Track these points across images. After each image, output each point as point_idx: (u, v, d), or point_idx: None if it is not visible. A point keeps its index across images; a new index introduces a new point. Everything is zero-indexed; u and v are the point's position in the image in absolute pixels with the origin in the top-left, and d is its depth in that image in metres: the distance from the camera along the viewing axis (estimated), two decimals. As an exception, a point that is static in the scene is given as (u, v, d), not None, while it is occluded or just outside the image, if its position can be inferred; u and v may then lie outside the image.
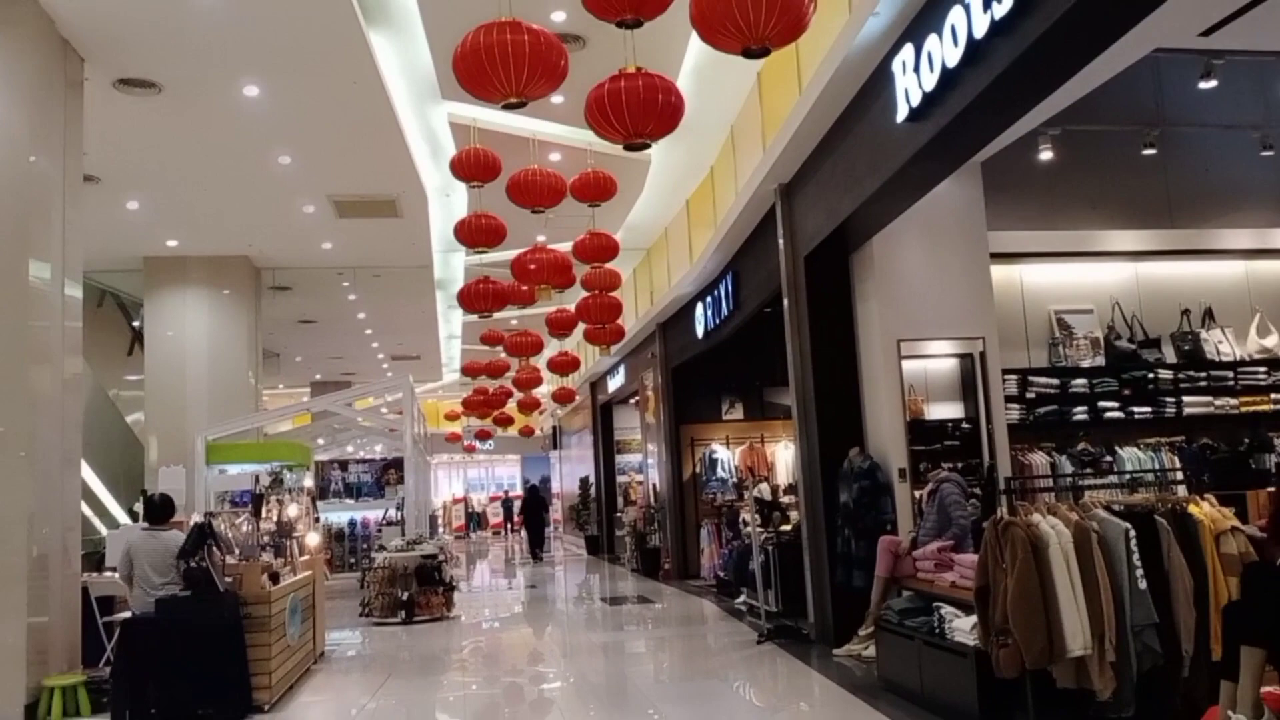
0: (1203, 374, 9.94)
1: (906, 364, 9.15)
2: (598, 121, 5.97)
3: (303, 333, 21.03)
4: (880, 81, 7.50)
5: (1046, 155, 8.86)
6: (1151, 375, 9.84)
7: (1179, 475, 7.04)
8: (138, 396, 15.93)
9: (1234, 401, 9.93)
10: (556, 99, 9.81)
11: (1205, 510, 5.70)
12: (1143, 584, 5.38)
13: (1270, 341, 10.13)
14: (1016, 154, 8.86)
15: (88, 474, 13.84)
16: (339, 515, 19.37)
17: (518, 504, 32.68)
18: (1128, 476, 7.51)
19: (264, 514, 9.55)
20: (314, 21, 8.43)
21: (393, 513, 17.93)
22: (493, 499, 40.88)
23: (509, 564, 24.86)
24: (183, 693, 7.03)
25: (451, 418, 30.89)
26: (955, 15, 6.08)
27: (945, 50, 6.23)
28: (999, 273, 9.54)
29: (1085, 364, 9.85)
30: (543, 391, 24.16)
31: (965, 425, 9.34)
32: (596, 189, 9.76)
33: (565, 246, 11.63)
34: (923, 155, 7.10)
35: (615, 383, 21.98)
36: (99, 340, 16.44)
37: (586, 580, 19.39)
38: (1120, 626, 5.37)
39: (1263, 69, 8.51)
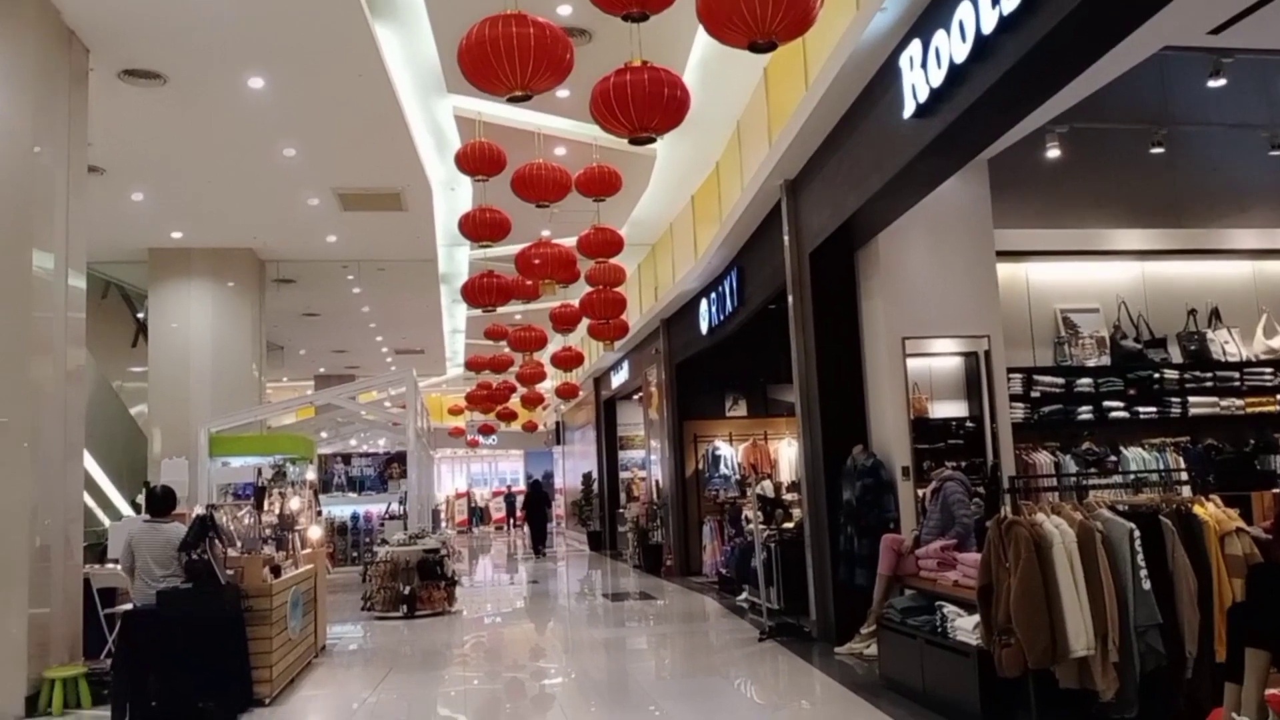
0: (1209, 374, 9.92)
1: (911, 362, 9.12)
2: (603, 115, 5.94)
3: (307, 326, 21.02)
4: (887, 77, 7.47)
5: (1054, 153, 8.81)
6: (1157, 375, 9.81)
7: (1183, 476, 7.02)
8: (142, 388, 15.94)
9: (1240, 402, 9.91)
10: (562, 93, 9.86)
11: (1210, 511, 5.67)
12: (1147, 584, 5.35)
13: (1277, 342, 10.11)
14: (1023, 151, 8.81)
15: (91, 465, 13.86)
16: (342, 509, 19.40)
17: (520, 499, 32.68)
18: (1132, 477, 7.48)
19: (266, 507, 9.55)
20: (319, 13, 8.41)
21: (395, 507, 17.94)
22: (495, 494, 40.87)
23: (511, 559, 24.86)
24: (183, 685, 7.00)
25: (455, 412, 30.89)
26: (964, 10, 6.04)
27: (953, 46, 6.19)
28: (1005, 271, 9.51)
29: (1091, 363, 9.82)
30: (546, 387, 24.14)
31: (969, 424, 9.33)
32: (601, 184, 9.71)
33: (570, 241, 11.59)
34: (929, 152, 7.07)
35: (619, 378, 21.96)
36: (103, 332, 16.45)
37: (588, 576, 19.39)
38: (1124, 627, 5.34)
39: (1271, 68, 8.44)
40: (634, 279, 17.32)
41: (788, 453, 15.64)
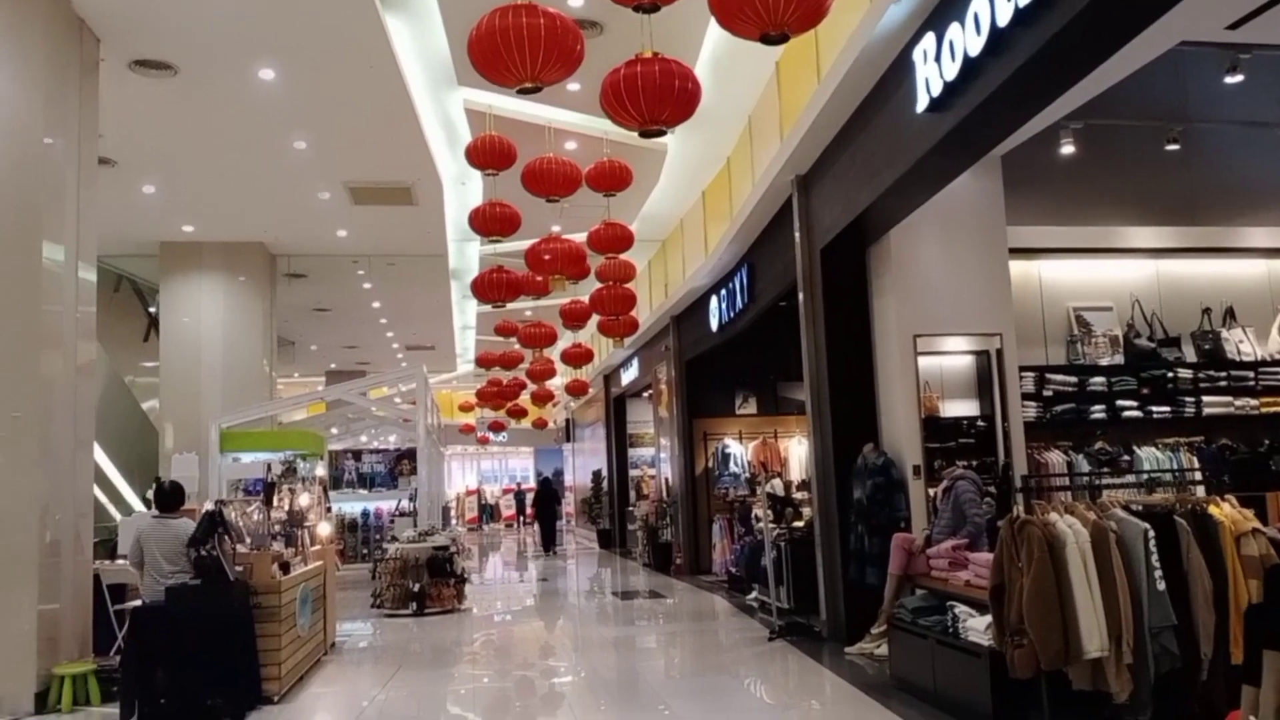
0: (1223, 374, 9.84)
1: (922, 361, 9.06)
2: (613, 107, 5.89)
3: (318, 321, 21.04)
4: (900, 71, 7.41)
5: (1068, 150, 8.72)
6: (1171, 374, 9.73)
7: (1197, 475, 6.94)
8: (153, 383, 15.96)
9: (1254, 402, 9.82)
10: (573, 86, 9.83)
11: (1226, 511, 5.60)
12: (1161, 585, 5.29)
13: (1292, 342, 10.00)
14: (1037, 148, 8.73)
15: (103, 460, 13.89)
16: (352, 505, 19.38)
17: (530, 496, 32.67)
18: (1145, 476, 7.41)
19: (275, 503, 9.54)
20: (330, 4, 8.38)
21: (405, 503, 17.93)
22: (506, 491, 40.92)
23: (521, 557, 24.86)
24: (192, 682, 6.98)
25: (465, 409, 30.89)
26: (979, 3, 5.98)
27: (968, 39, 6.13)
28: (1018, 268, 9.44)
29: (1104, 362, 9.74)
30: (556, 384, 24.13)
31: (980, 423, 9.27)
32: (612, 178, 9.67)
33: (580, 237, 11.57)
34: (942, 147, 7.01)
35: (629, 376, 21.93)
36: (115, 326, 16.51)
37: (598, 574, 19.36)
38: (1138, 628, 5.28)
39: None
40: (644, 275, 17.28)
41: (798, 451, 15.59)
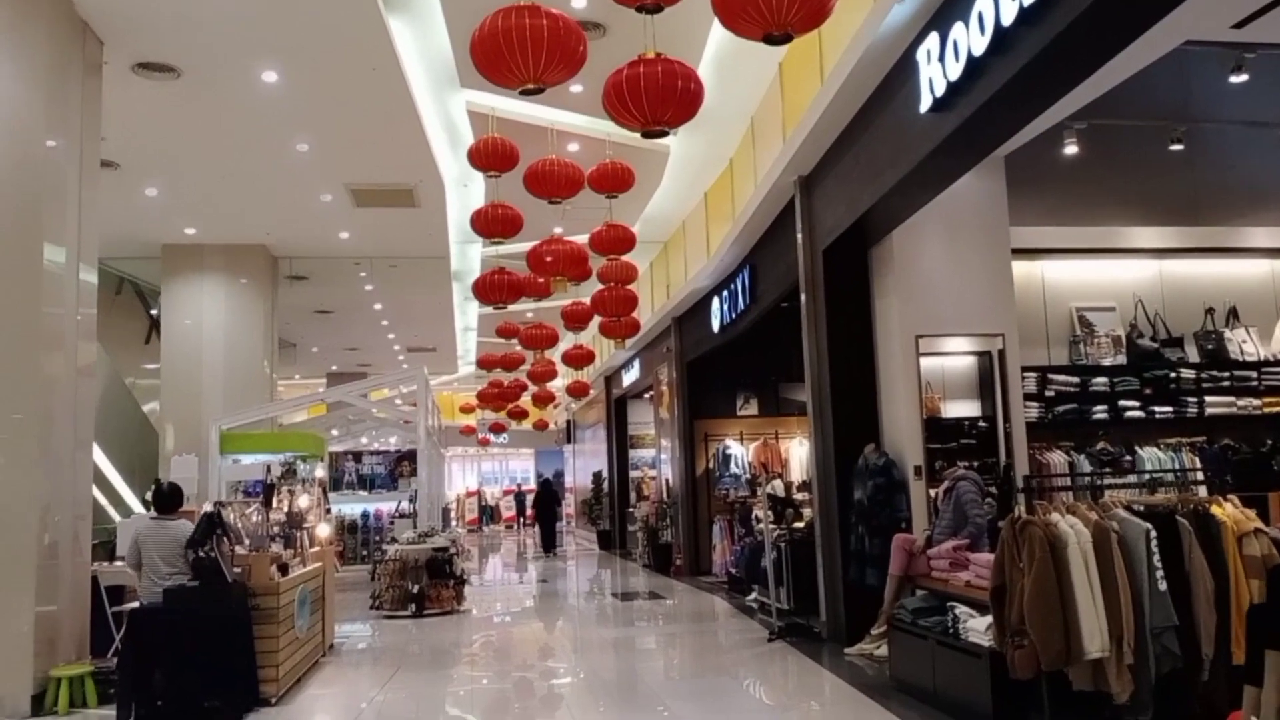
0: (1226, 374, 9.84)
1: (924, 362, 9.05)
2: (615, 108, 5.88)
3: (319, 323, 21.03)
4: (904, 71, 7.40)
5: (1071, 150, 8.70)
6: (1174, 374, 9.73)
7: (1199, 475, 6.93)
8: (155, 385, 15.95)
9: (1257, 402, 9.83)
10: (575, 88, 9.83)
11: (1228, 511, 5.58)
12: (1163, 585, 5.27)
13: (1295, 342, 9.99)
14: (1040, 148, 8.71)
15: (103, 462, 13.88)
16: (352, 507, 19.38)
17: (531, 498, 32.65)
18: (1147, 476, 7.39)
19: (275, 504, 9.52)
20: (333, 6, 8.37)
21: (405, 505, 17.92)
22: (506, 493, 40.90)
23: (521, 558, 24.84)
24: (189, 684, 6.95)
25: (466, 410, 30.88)
26: (983, 2, 5.97)
27: (972, 38, 6.12)
28: (1020, 269, 9.43)
29: (1106, 362, 9.74)
30: (557, 385, 24.11)
31: (982, 424, 9.25)
32: (614, 180, 9.66)
33: (582, 238, 11.56)
34: (946, 147, 7.00)
35: (630, 377, 21.92)
36: (117, 328, 16.50)
37: (598, 575, 19.34)
38: (1139, 628, 5.26)
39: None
40: (646, 277, 17.27)
41: (799, 452, 15.58)
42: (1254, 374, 9.88)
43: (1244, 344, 9.94)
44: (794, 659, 8.98)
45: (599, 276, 12.38)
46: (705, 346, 15.45)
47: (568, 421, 33.09)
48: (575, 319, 14.23)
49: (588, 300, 13.32)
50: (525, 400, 24.77)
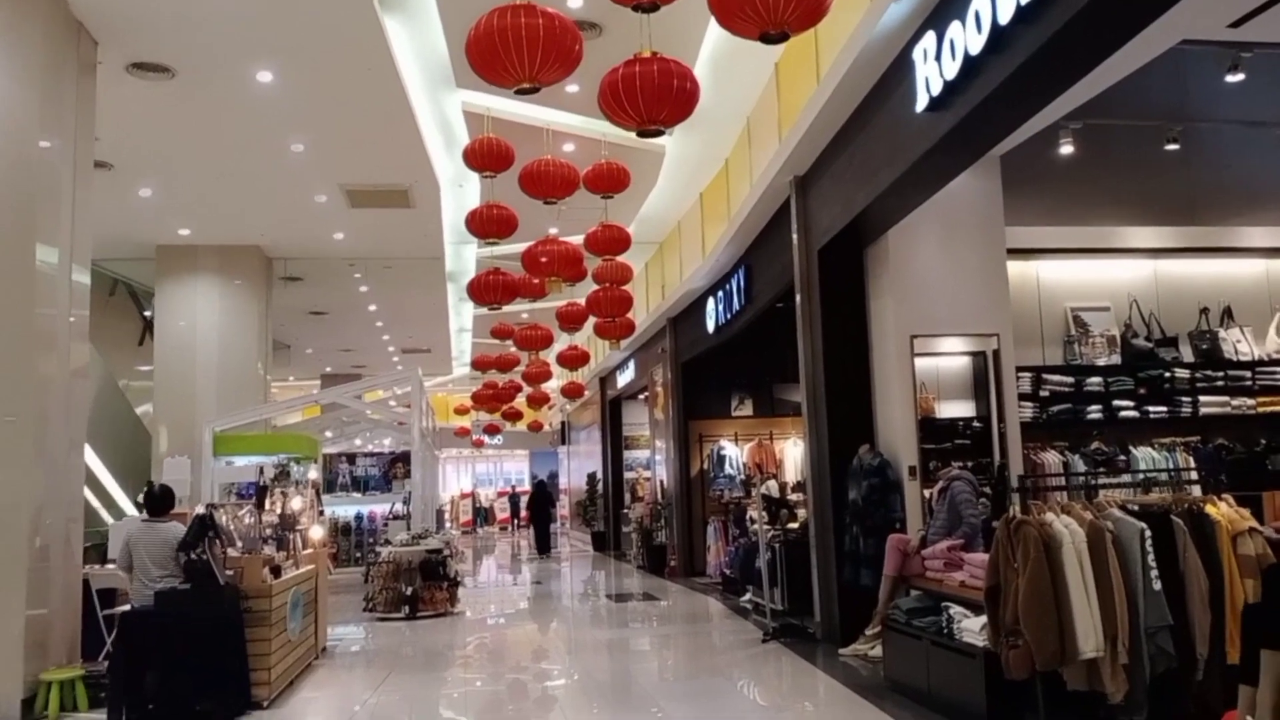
0: (1220, 374, 9.85)
1: (918, 362, 9.05)
2: (611, 107, 5.87)
3: (314, 324, 20.99)
4: (900, 70, 7.39)
5: (1066, 150, 8.70)
6: (1168, 374, 9.74)
7: (1193, 475, 6.93)
8: (149, 387, 15.90)
9: (1251, 402, 9.84)
10: (571, 88, 9.82)
11: (1223, 511, 5.58)
12: (1157, 585, 5.27)
13: (1290, 342, 10.01)
14: (1036, 148, 8.71)
15: (96, 465, 13.83)
16: (346, 509, 19.33)
17: (525, 499, 32.63)
18: (1141, 476, 7.40)
19: (267, 506, 9.49)
20: (328, 6, 8.34)
21: (399, 507, 17.88)
22: (500, 494, 40.85)
23: (515, 560, 24.80)
24: (181, 687, 6.92)
25: (461, 412, 30.87)
26: (980, 1, 5.96)
27: (968, 37, 6.11)
28: (1015, 269, 9.44)
29: (1101, 362, 9.75)
30: (552, 386, 24.09)
31: (976, 424, 9.25)
32: (610, 180, 9.66)
33: (577, 239, 11.54)
34: (942, 146, 6.99)
35: (625, 378, 21.90)
36: (111, 329, 16.44)
37: (592, 577, 19.32)
38: (1134, 628, 5.26)
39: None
40: (641, 278, 17.27)
41: (793, 453, 15.56)
42: (1248, 374, 9.89)
43: (1238, 344, 9.95)
44: (788, 660, 8.97)
45: (594, 277, 12.37)
46: (700, 347, 15.44)
47: (562, 423, 33.07)
48: (570, 320, 14.23)
49: (583, 301, 13.32)
50: (520, 401, 24.77)
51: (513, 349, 18.16)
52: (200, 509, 7.67)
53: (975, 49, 6.07)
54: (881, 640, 7.76)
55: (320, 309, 19.72)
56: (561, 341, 18.66)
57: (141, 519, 7.54)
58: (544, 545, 24.34)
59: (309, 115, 10.55)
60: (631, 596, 14.93)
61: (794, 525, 11.09)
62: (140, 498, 8.68)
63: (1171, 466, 8.92)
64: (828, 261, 9.60)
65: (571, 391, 22.83)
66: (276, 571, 8.17)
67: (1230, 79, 7.76)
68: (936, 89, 6.65)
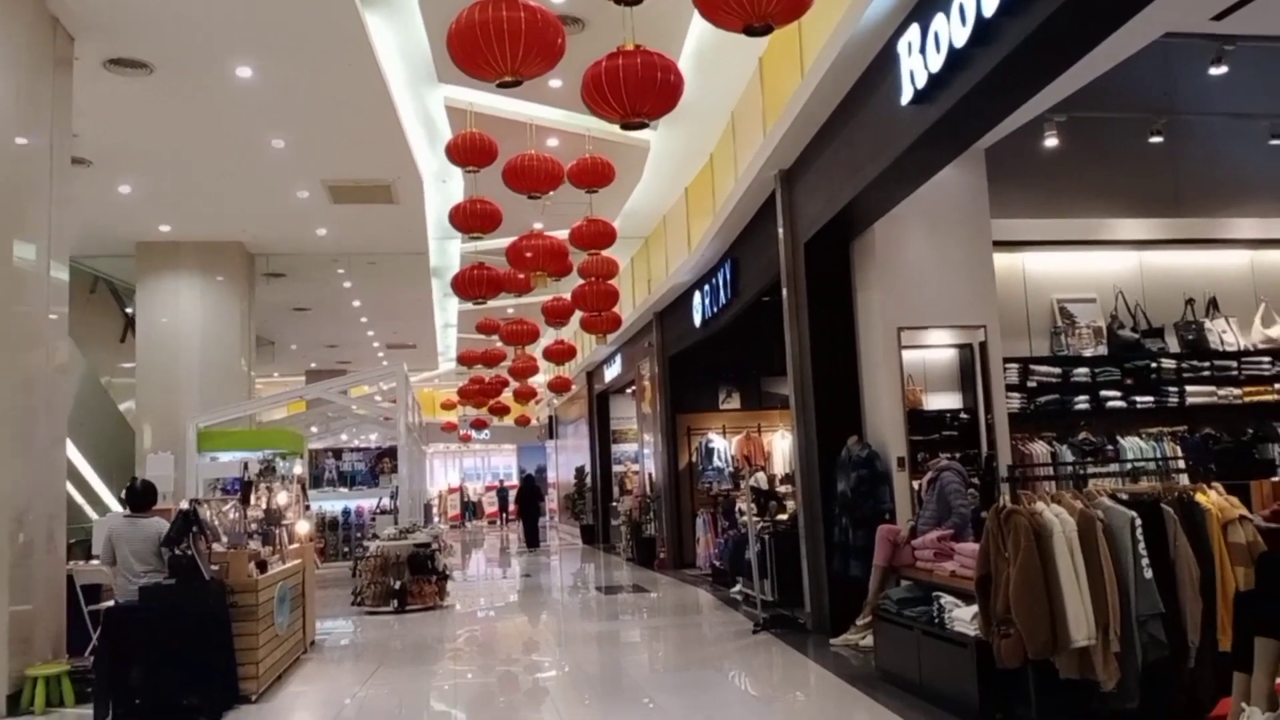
0: (1206, 364, 9.88)
1: (905, 354, 9.05)
2: (594, 100, 5.84)
3: (297, 320, 20.90)
4: (885, 63, 7.37)
5: (1052, 142, 8.73)
6: (1154, 365, 9.76)
7: (1181, 464, 6.95)
8: (132, 384, 15.81)
9: (1237, 391, 9.87)
10: (554, 83, 9.79)
11: (1213, 499, 5.60)
12: (1148, 573, 5.28)
13: (1275, 332, 10.05)
14: (1021, 141, 8.74)
15: (80, 462, 13.76)
16: (333, 504, 19.27)
17: (513, 493, 32.60)
18: (1129, 466, 7.42)
19: (253, 501, 9.45)
20: (308, 0, 8.29)
21: (386, 501, 17.83)
22: (488, 488, 40.81)
23: (504, 553, 24.77)
24: (167, 682, 6.90)
25: (448, 407, 30.79)
26: (963, -8, 5.95)
27: (953, 30, 6.09)
28: (1002, 261, 9.44)
29: (1088, 353, 9.76)
30: (539, 381, 24.06)
31: (964, 416, 9.26)
32: (594, 175, 9.63)
33: (562, 234, 11.51)
34: (927, 139, 6.98)
35: (612, 372, 21.88)
36: (92, 327, 16.34)
37: (581, 569, 19.31)
38: (1125, 617, 5.26)
39: (1274, 55, 8.34)
40: (627, 272, 17.24)
41: (781, 445, 15.59)
42: (1234, 364, 9.92)
43: (1224, 334, 9.99)
44: (779, 650, 8.97)
45: (579, 271, 12.33)
46: (687, 341, 15.43)
47: (550, 417, 33.02)
48: (556, 314, 14.20)
49: (568, 296, 13.28)
50: (507, 396, 24.72)
51: (499, 344, 18.10)
52: (184, 504, 7.62)
53: (960, 41, 6.06)
54: (872, 630, 7.76)
55: (304, 305, 19.64)
56: (548, 336, 18.64)
57: (124, 514, 7.51)
58: (533, 539, 24.31)
59: (290, 111, 10.48)
60: (621, 589, 14.92)
61: (783, 517, 11.10)
62: (123, 494, 8.65)
63: (1159, 456, 8.95)
64: (814, 255, 9.59)
65: (558, 386, 22.79)
66: (262, 566, 8.14)
67: (1214, 71, 7.79)
68: (921, 82, 6.64)
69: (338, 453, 22.10)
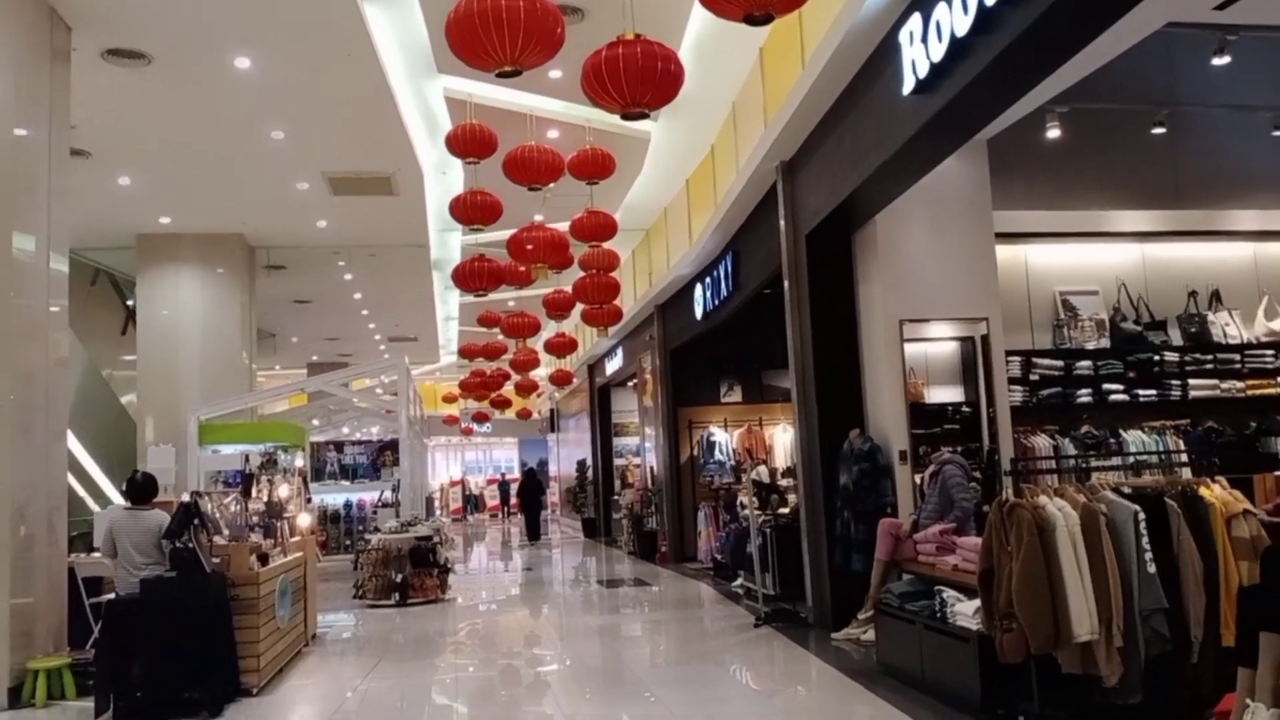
0: (1209, 357, 9.83)
1: (907, 348, 9.00)
2: (594, 90, 5.81)
3: (298, 313, 20.89)
4: (886, 53, 7.32)
5: (1054, 133, 8.68)
6: (1157, 358, 9.72)
7: (1183, 458, 6.91)
8: (133, 377, 15.82)
9: (1240, 385, 9.82)
10: (554, 73, 9.74)
11: (1217, 493, 5.56)
12: (1152, 568, 5.24)
13: (1278, 324, 10.00)
14: (1023, 132, 8.68)
15: (82, 454, 13.75)
16: (334, 497, 19.25)
17: (515, 487, 32.59)
18: (1132, 459, 7.38)
19: (254, 494, 9.43)
20: (307, -10, 8.26)
21: (388, 494, 17.82)
22: (490, 482, 40.82)
23: (506, 546, 24.77)
24: (168, 675, 6.89)
25: (449, 400, 30.78)
26: (965, -19, 5.90)
27: (955, 18, 6.04)
28: (1004, 253, 9.39)
29: (1090, 346, 9.72)
30: (540, 374, 24.04)
31: (965, 409, 9.22)
32: (595, 166, 9.60)
33: (563, 226, 11.47)
34: (929, 130, 6.93)
35: (613, 365, 21.86)
36: (94, 319, 16.34)
37: (583, 563, 19.30)
38: (1128, 611, 5.23)
39: (1276, 46, 8.30)
40: (628, 265, 17.20)
41: (783, 438, 15.57)
42: (1237, 357, 9.87)
43: (1227, 327, 9.95)
44: (780, 644, 8.95)
45: (580, 264, 12.31)
46: (688, 334, 15.39)
47: (551, 410, 33.01)
48: (557, 307, 14.18)
49: (569, 288, 13.25)
50: (508, 389, 24.69)
51: (500, 337, 18.08)
52: (185, 497, 7.60)
53: (962, 30, 6.00)
54: (874, 625, 7.74)
55: (305, 297, 19.63)
56: (549, 329, 18.61)
57: (124, 507, 7.49)
58: (534, 532, 24.31)
59: (289, 102, 10.45)
60: (623, 582, 14.91)
61: (784, 510, 11.07)
62: (124, 486, 8.63)
63: (1162, 449, 8.91)
64: (815, 247, 9.54)
65: (560, 379, 22.77)
66: (264, 559, 8.13)
67: (1217, 62, 7.74)
68: (923, 71, 6.59)
69: (339, 445, 22.05)
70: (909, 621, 6.84)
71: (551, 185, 9.52)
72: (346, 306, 20.82)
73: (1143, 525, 5.30)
